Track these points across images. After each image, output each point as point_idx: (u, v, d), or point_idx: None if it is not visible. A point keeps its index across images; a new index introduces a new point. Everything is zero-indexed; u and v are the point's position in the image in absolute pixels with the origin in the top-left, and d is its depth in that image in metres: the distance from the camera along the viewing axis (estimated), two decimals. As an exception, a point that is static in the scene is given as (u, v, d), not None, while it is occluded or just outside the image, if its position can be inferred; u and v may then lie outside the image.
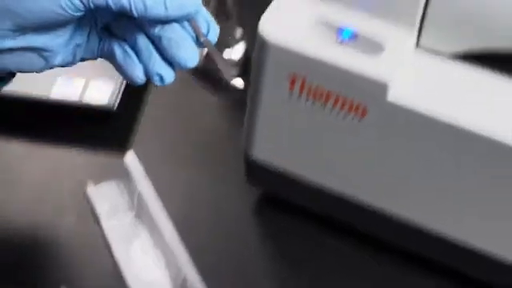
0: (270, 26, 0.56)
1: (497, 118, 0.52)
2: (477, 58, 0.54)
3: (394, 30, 0.55)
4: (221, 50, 0.76)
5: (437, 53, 0.55)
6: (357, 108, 0.54)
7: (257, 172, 0.64)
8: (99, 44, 0.52)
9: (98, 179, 0.68)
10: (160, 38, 0.49)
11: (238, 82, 0.49)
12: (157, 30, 0.49)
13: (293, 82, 0.56)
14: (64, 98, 0.71)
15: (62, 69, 0.77)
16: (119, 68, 0.51)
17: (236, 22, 0.76)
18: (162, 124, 0.74)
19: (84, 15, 0.48)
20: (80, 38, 0.51)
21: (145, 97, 0.75)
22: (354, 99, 0.54)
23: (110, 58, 0.51)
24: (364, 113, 0.54)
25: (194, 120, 0.74)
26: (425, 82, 0.54)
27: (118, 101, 0.71)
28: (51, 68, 0.51)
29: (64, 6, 0.47)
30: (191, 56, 0.50)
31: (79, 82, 0.72)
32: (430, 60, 0.55)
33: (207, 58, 0.75)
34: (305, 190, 0.62)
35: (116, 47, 0.51)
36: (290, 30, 0.55)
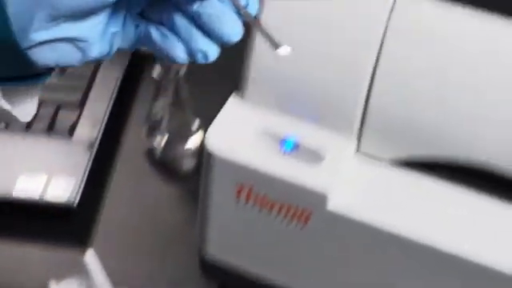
0: (215, 138, 0.58)
1: (437, 226, 0.54)
2: (417, 164, 0.57)
3: (334, 137, 0.57)
4: (178, 142, 0.78)
5: (377, 159, 0.58)
6: (300, 215, 0.57)
7: (211, 267, 0.66)
8: (135, 31, 0.51)
9: (60, 277, 0.70)
10: (200, 14, 0.48)
11: (284, 50, 0.47)
12: (195, 7, 0.48)
13: (239, 191, 0.58)
14: (26, 196, 0.73)
15: (25, 165, 0.79)
16: (159, 51, 0.50)
17: (192, 112, 0.78)
18: (122, 219, 0.76)
19: (118, 0, 0.47)
20: (115, 26, 0.50)
21: (105, 192, 0.77)
22: (297, 207, 0.57)
23: (148, 43, 0.50)
24: (307, 220, 0.57)
25: (154, 213, 0.76)
26: (365, 189, 0.56)
27: (78, 198, 0.73)
28: (89, 61, 0.50)
29: None
30: (235, 30, 0.49)
31: (41, 179, 0.74)
32: (370, 166, 0.57)
33: (166, 148, 0.78)
34: (259, 286, 0.65)
35: (153, 30, 0.50)
36: (235, 142, 0.58)
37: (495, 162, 0.54)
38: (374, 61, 0.55)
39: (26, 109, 0.52)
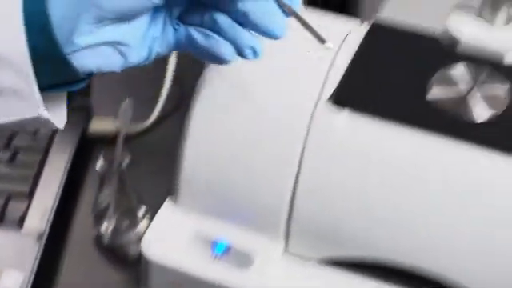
0: (151, 243, 0.61)
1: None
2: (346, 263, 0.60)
3: (263, 240, 0.61)
4: (125, 228, 0.81)
5: (305, 258, 0.61)
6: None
7: None
8: (174, 35, 0.51)
9: None
10: (245, 12, 0.49)
11: (330, 44, 0.49)
12: (240, 6, 0.49)
13: (176, 293, 0.61)
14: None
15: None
16: (204, 51, 0.50)
17: (138, 200, 0.81)
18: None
19: (159, 4, 0.47)
20: (155, 30, 0.50)
21: (55, 282, 0.79)
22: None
23: (190, 45, 0.51)
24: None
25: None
26: (291, 288, 0.60)
27: (27, 291, 0.75)
28: (129, 67, 0.50)
29: None
30: (281, 26, 0.50)
31: (-10, 273, 0.76)
32: (298, 267, 0.60)
33: (113, 235, 0.80)
34: None
35: (194, 32, 0.50)
36: (169, 247, 0.61)
37: (418, 263, 0.57)
38: (296, 169, 0.58)
39: (61, 115, 0.52)
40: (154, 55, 0.51)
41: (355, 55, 0.60)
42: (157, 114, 0.89)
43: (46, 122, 0.50)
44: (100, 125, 0.89)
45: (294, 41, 0.57)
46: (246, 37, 0.50)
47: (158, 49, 0.51)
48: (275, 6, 0.49)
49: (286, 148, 0.58)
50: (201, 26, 0.51)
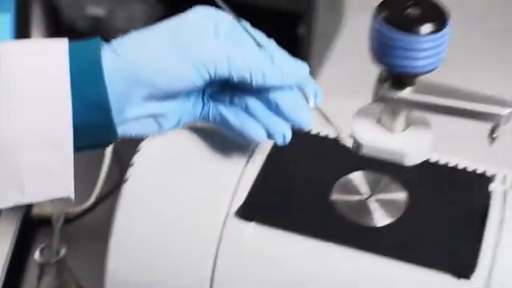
0: None
1: None
2: None
3: None
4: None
5: None
6: None
7: None
8: (202, 109, 0.58)
9: None
10: (277, 102, 0.56)
11: (345, 141, 0.58)
12: (271, 95, 0.56)
13: None
14: None
15: None
16: (235, 130, 0.58)
17: (77, 286, 0.84)
18: None
19: (201, 87, 0.56)
20: (188, 105, 0.58)
21: None
22: None
23: (221, 123, 0.58)
24: None
25: None
26: None
27: None
28: (160, 133, 0.58)
29: (194, 79, 0.54)
30: (308, 118, 0.58)
31: None
32: None
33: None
34: None
35: (225, 112, 0.58)
36: None
37: None
38: (208, 283, 0.62)
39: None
40: (182, 125, 0.59)
41: (264, 163, 0.64)
42: (96, 194, 0.92)
43: (67, 199, 0.56)
44: (42, 207, 0.91)
45: (209, 151, 0.61)
46: (279, 124, 0.57)
47: (186, 119, 0.58)
48: (302, 99, 0.57)
49: (199, 259, 0.61)
50: (231, 103, 0.58)
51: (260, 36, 0.58)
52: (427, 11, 0.59)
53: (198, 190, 0.62)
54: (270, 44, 0.58)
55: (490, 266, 0.58)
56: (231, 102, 0.58)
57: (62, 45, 0.54)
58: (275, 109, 0.57)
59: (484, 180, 0.64)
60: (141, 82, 0.54)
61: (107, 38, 2.06)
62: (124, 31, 2.14)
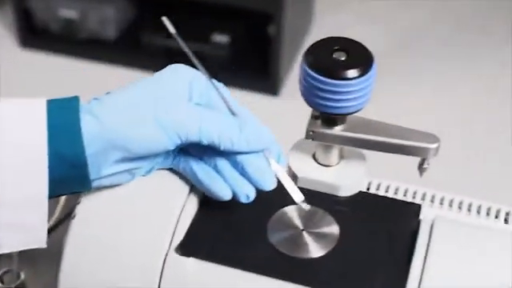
0: None
1: None
2: None
3: None
4: None
5: None
6: None
7: None
8: (173, 160, 0.64)
9: None
10: (242, 164, 0.61)
11: (305, 205, 0.62)
12: (238, 158, 0.61)
13: None
14: None
15: None
16: (203, 186, 0.63)
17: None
18: None
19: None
20: (160, 159, 0.63)
21: None
22: None
23: (191, 177, 0.64)
24: None
25: None
26: None
27: None
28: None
29: (167, 145, 0.59)
30: (270, 181, 0.62)
31: None
32: None
33: None
34: None
35: (195, 167, 0.63)
36: None
37: None
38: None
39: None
40: (153, 171, 0.64)
41: (203, 199, 0.66)
42: (56, 216, 0.94)
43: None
44: None
45: (151, 188, 0.64)
46: (244, 185, 0.62)
47: (158, 167, 0.64)
48: (266, 164, 0.62)
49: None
50: (201, 159, 0.63)
51: (231, 98, 0.63)
52: (353, 55, 0.62)
53: (140, 228, 0.65)
54: (240, 107, 0.63)
55: (416, 295, 0.61)
56: (201, 159, 0.63)
57: (40, 106, 0.58)
58: (241, 170, 0.62)
59: (414, 208, 0.67)
60: (117, 146, 0.58)
61: (80, 40, 2.10)
62: (96, 33, 2.18)
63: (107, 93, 0.61)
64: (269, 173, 0.62)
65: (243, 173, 0.62)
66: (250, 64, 2.23)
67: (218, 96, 0.62)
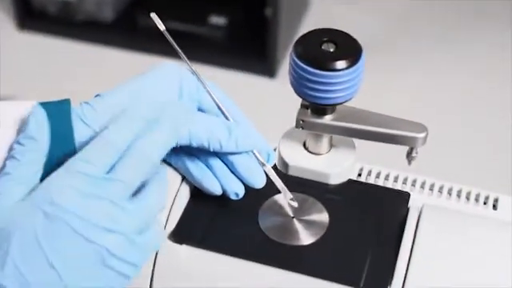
0: None
1: None
2: None
3: None
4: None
5: None
6: None
7: None
8: (167, 157, 0.62)
9: None
10: (232, 162, 0.63)
11: (294, 204, 0.65)
12: (229, 158, 0.63)
13: None
14: None
15: None
16: (195, 180, 0.64)
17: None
18: None
19: None
20: None
21: None
22: None
23: (185, 172, 0.65)
24: None
25: None
26: None
27: None
28: None
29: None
30: (260, 179, 0.64)
31: None
32: None
33: None
34: None
35: (188, 163, 0.64)
36: None
37: None
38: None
39: None
40: None
41: (195, 186, 0.67)
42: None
43: None
44: None
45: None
46: (233, 183, 0.64)
47: None
48: (255, 163, 0.64)
49: (136, 280, 0.65)
50: (194, 155, 0.63)
51: (223, 95, 0.64)
52: (341, 46, 0.63)
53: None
54: (231, 106, 0.64)
55: (403, 282, 0.62)
56: (193, 154, 0.64)
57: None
58: (231, 168, 0.64)
59: (403, 196, 0.68)
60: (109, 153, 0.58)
61: (77, 22, 2.11)
62: (93, 15, 2.18)
63: (97, 95, 0.61)
64: (258, 172, 0.64)
65: (233, 170, 0.64)
66: (247, 46, 2.24)
67: (208, 96, 0.63)
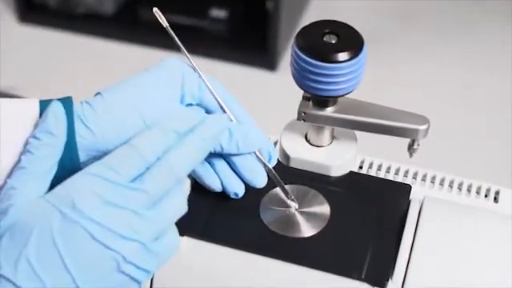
0: None
1: None
2: None
3: None
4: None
5: None
6: None
7: None
8: None
9: None
10: (234, 162, 0.63)
11: (295, 204, 0.66)
12: (232, 157, 0.62)
13: None
14: None
15: None
16: (198, 177, 0.64)
17: None
18: None
19: None
20: None
21: None
22: None
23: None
24: None
25: None
26: None
27: None
28: None
29: None
30: (261, 179, 0.64)
31: None
32: None
33: None
34: None
35: None
36: None
37: None
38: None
39: None
40: None
41: (196, 180, 0.67)
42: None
43: None
44: None
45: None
46: (234, 183, 0.64)
47: None
48: (258, 164, 0.64)
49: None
50: None
51: (226, 93, 0.63)
52: (343, 38, 0.63)
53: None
54: (233, 103, 0.63)
55: (404, 274, 0.62)
56: None
57: (33, 108, 0.58)
58: (233, 167, 0.64)
59: (404, 188, 0.68)
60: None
61: (78, 15, 2.11)
62: (94, 8, 2.18)
63: (97, 93, 0.61)
64: (260, 172, 0.64)
65: (235, 170, 0.64)
66: (247, 39, 2.23)
67: (209, 93, 0.62)
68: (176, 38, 0.62)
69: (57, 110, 0.56)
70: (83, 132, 0.59)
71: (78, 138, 0.58)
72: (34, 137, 0.56)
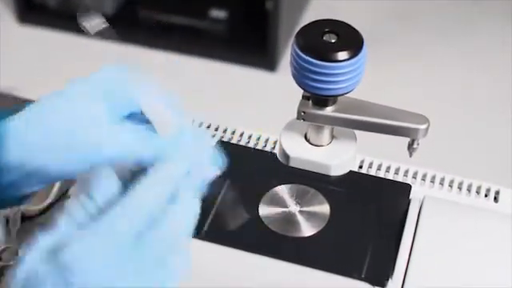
0: None
1: None
2: None
3: None
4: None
5: None
6: None
7: None
8: None
9: None
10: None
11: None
12: None
13: None
14: None
15: None
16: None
17: None
18: None
19: None
20: None
21: None
22: None
23: None
24: None
25: None
26: None
27: None
28: None
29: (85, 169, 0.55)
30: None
31: None
32: None
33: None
34: None
35: None
36: None
37: None
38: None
39: None
40: None
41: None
42: (54, 193, 0.95)
43: None
44: None
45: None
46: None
47: None
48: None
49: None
50: None
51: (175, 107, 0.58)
52: (343, 37, 0.63)
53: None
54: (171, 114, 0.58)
55: (404, 273, 0.62)
56: None
57: None
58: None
59: (404, 188, 0.68)
60: (38, 174, 0.57)
61: (77, 15, 2.04)
62: (93, 9, 2.17)
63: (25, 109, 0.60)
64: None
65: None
66: (247, 39, 2.23)
67: (144, 103, 0.59)
68: None
69: (108, 189, 0.54)
70: (13, 149, 0.57)
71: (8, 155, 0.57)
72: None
